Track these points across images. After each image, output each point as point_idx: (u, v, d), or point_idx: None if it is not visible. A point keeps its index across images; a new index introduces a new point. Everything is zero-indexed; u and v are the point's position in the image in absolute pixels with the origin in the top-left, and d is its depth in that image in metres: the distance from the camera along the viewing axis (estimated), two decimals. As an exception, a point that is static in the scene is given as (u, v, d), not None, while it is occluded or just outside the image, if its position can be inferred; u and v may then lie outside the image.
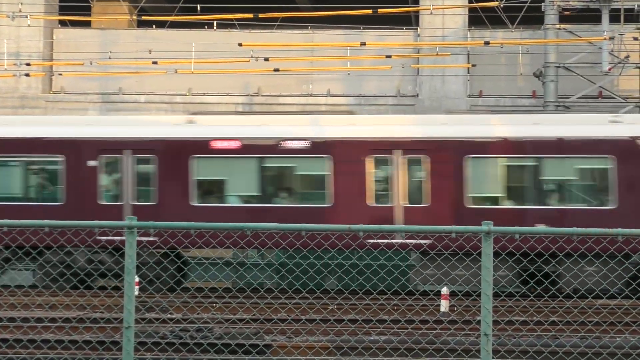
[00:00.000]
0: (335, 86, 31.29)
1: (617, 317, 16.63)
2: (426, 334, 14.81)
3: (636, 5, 28.39)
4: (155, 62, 28.49)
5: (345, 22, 30.51)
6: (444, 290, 19.19)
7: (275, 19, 29.07)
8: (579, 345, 13.92)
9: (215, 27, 29.26)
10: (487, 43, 28.22)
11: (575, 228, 9.67)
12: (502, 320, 15.24)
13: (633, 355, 13.13)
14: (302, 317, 16.04)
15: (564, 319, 16.59)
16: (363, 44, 28.59)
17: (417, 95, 31.16)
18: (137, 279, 21.52)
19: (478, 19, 30.51)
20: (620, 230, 8.53)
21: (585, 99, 28.73)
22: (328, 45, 30.16)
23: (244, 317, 16.55)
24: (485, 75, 30.39)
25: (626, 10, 28.24)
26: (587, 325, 16.13)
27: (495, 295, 17.72)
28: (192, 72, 29.01)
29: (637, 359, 13.00)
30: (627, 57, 28.58)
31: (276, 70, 28.72)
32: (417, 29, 31.33)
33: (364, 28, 30.90)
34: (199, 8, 28.52)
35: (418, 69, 30.92)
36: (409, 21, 31.65)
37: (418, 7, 30.61)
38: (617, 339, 14.68)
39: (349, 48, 30.09)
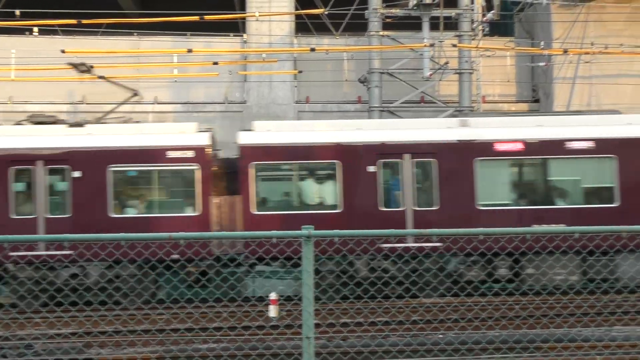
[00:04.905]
0: (162, 93, 31.00)
1: (446, 315, 17.17)
2: (250, 339, 14.87)
3: (454, 14, 29.37)
4: (-27, 70, 27.53)
5: (171, 29, 30.27)
6: (273, 295, 19.27)
7: (99, 25, 28.56)
8: (397, 344, 14.26)
9: (36, 33, 28.48)
10: (313, 50, 28.55)
11: (392, 229, 9.89)
12: (324, 324, 15.46)
13: (462, 350, 13.55)
14: (123, 328, 15.79)
15: (389, 319, 16.98)
16: (190, 50, 28.44)
17: (245, 102, 31.26)
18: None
19: (304, 25, 30.87)
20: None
21: (408, 104, 29.50)
22: (154, 52, 29.86)
23: (62, 331, 16.16)
24: (312, 82, 30.78)
25: (445, 18, 29.15)
26: (416, 324, 16.55)
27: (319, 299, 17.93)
28: (13, 80, 28.16)
29: (466, 354, 13.41)
30: (447, 63, 29.54)
31: (101, 77, 28.19)
32: (244, 36, 31.44)
33: (190, 35, 30.77)
34: (18, 13, 27.67)
35: (245, 75, 31.02)
36: (236, 28, 31.70)
37: (245, 13, 30.71)
38: (439, 335, 15.10)
39: (175, 55, 29.91)
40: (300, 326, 7.91)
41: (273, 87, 31.05)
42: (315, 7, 29.32)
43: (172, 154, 21.98)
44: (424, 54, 28.70)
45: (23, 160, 21.97)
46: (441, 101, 30.03)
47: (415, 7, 28.74)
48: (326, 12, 28.69)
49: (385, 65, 29.57)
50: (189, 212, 22.00)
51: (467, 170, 22.27)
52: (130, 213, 22.18)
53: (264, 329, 16.19)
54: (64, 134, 22.45)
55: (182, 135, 22.41)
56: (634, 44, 30.03)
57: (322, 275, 21.51)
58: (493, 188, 22.56)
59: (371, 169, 22.27)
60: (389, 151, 22.35)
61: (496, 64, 31.20)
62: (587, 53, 29.48)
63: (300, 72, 30.72)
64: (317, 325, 13.63)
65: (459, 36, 29.49)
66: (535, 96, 32.69)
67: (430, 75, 28.77)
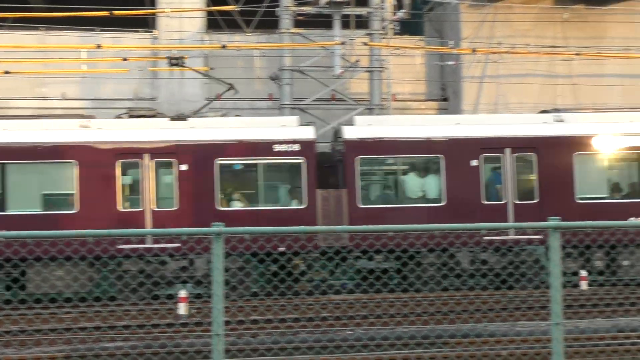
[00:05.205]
0: (70, 89, 30.52)
1: (355, 311, 17.28)
2: (159, 337, 14.76)
3: (365, 12, 29.57)
4: None
5: (80, 24, 29.80)
6: (182, 293, 19.18)
7: (5, 19, 27.98)
8: (307, 340, 14.32)
9: (-61, 27, 27.81)
10: (224, 46, 28.44)
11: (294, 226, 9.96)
12: (234, 321, 15.43)
13: (371, 346, 13.67)
14: (29, 327, 15.53)
15: (299, 315, 17.03)
16: (99, 46, 28.03)
17: (155, 99, 30.97)
18: None
19: (215, 22, 30.72)
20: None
21: (319, 102, 29.57)
22: (62, 47, 29.34)
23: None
24: (223, 79, 30.59)
25: (356, 16, 29.35)
26: (325, 320, 16.65)
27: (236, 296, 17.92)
28: None
29: (374, 350, 13.53)
30: (358, 61, 29.74)
31: (6, 72, 27.62)
32: (154, 32, 31.13)
33: (100, 30, 30.33)
34: None
35: (156, 72, 30.74)
36: (146, 24, 31.37)
37: (155, 9, 30.42)
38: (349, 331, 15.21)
39: (84, 50, 29.47)
40: (209, 323, 7.88)
41: (183, 84, 30.84)
42: (227, 4, 29.20)
43: (278, 148, 22.34)
44: (335, 51, 28.83)
45: (130, 153, 22.08)
46: (352, 99, 30.19)
47: (326, 5, 28.84)
48: (237, 9, 28.62)
49: (297, 62, 29.61)
50: (295, 205, 22.35)
51: (566, 164, 23.07)
52: (237, 206, 22.46)
53: (174, 327, 16.07)
54: (169, 127, 22.60)
55: (286, 128, 22.79)
56: (540, 44, 30.66)
57: (425, 267, 22.30)
58: (591, 182, 23.36)
59: (474, 163, 22.82)
60: (491, 145, 22.97)
61: (406, 63, 31.49)
62: (494, 53, 29.97)
63: (211, 69, 30.53)
64: (226, 323, 13.59)
65: (369, 34, 29.70)
66: (444, 95, 33.13)
67: (341, 73, 28.91)
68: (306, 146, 22.43)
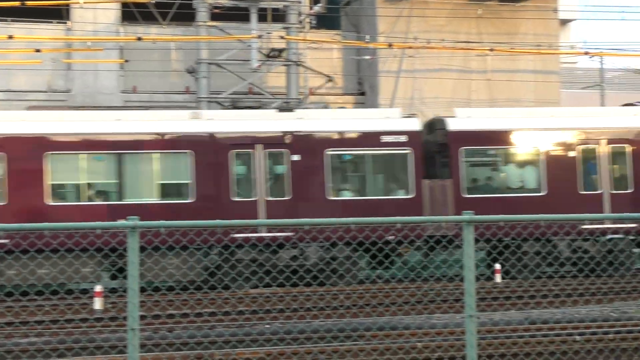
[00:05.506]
0: (-20, 81, 29.89)
1: (272, 304, 17.28)
2: (73, 332, 14.57)
3: (282, 6, 29.56)
4: None
5: (-9, 14, 29.24)
6: (98, 288, 18.96)
7: None
8: (223, 334, 14.30)
9: None
10: (140, 39, 28.17)
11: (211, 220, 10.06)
12: (149, 315, 15.31)
13: (288, 339, 13.70)
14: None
15: (216, 309, 16.99)
16: (11, 37, 27.53)
17: (69, 91, 30.49)
18: None
19: (131, 14, 30.38)
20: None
21: (236, 95, 29.49)
22: (-28, 38, 28.72)
23: None
24: (138, 71, 30.33)
25: (273, 10, 29.32)
26: (242, 314, 16.64)
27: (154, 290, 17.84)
28: None
29: (291, 343, 13.56)
30: (275, 55, 29.70)
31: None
32: (67, 23, 30.64)
33: (12, 20, 29.75)
34: None
35: (70, 63, 30.27)
36: (60, 15, 30.85)
37: (69, 0, 29.94)
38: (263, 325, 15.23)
39: (-5, 41, 28.89)
40: (125, 318, 7.79)
41: (98, 76, 30.43)
42: (143, -5, 28.91)
43: (386, 138, 22.74)
44: (252, 45, 28.77)
45: (243, 143, 22.25)
46: (269, 92, 30.17)
47: (243, -2, 28.78)
48: (153, 1, 28.35)
49: (214, 55, 29.48)
50: (402, 195, 22.74)
51: None
52: (346, 196, 22.76)
53: (88, 322, 15.88)
54: (279, 118, 22.87)
55: (391, 120, 23.22)
56: (455, 40, 31.07)
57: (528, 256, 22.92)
58: None
59: (571, 153, 23.54)
60: (587, 137, 23.69)
61: (323, 57, 31.61)
62: (410, 47, 30.29)
63: (126, 61, 30.22)
64: (142, 317, 13.51)
65: (286, 28, 29.70)
66: (361, 89, 33.33)
67: (258, 66, 28.87)
68: (413, 137, 23.01)
